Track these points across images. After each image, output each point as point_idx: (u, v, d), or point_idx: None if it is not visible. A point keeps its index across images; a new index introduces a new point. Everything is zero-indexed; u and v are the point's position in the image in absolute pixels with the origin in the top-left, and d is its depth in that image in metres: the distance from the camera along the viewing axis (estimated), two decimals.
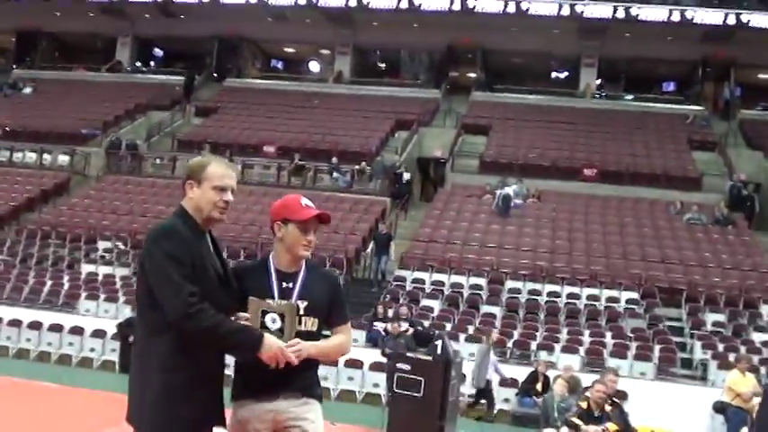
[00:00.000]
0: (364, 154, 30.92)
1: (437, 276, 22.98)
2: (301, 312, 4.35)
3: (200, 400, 4.13)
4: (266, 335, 4.12)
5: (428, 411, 10.32)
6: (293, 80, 41.42)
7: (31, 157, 31.89)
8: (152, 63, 45.73)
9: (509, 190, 27.27)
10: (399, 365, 10.73)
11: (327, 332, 4.54)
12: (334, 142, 32.05)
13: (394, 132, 34.13)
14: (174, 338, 4.04)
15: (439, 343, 10.87)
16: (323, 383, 16.04)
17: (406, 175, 29.39)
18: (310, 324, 4.38)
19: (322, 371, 13.87)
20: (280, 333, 4.21)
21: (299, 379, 4.34)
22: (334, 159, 29.90)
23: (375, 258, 23.67)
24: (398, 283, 22.64)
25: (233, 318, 4.19)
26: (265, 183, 29.58)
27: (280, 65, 45.41)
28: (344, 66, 40.75)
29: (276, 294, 4.37)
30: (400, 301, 20.67)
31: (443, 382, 10.50)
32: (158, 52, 46.42)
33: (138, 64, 44.15)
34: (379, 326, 18.80)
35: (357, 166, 29.65)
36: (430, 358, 10.69)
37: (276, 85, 40.15)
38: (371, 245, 24.42)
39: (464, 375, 15.25)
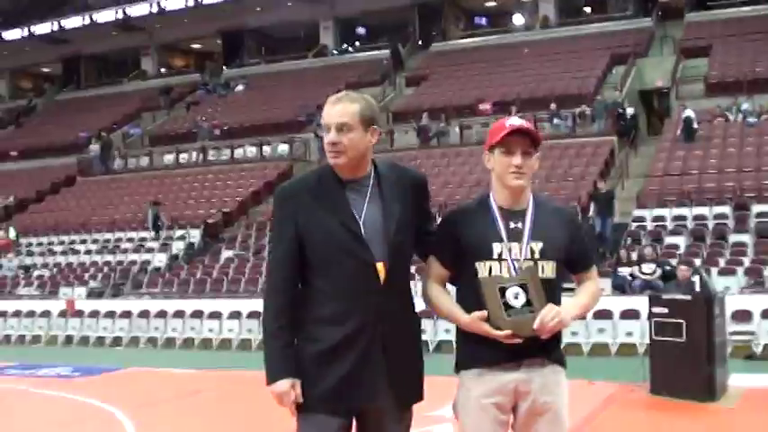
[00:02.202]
0: (584, 95, 29.73)
1: (678, 211, 21.70)
2: (537, 256, 3.71)
3: (341, 371, 3.63)
4: (282, 381, 3.61)
5: (694, 357, 9.34)
6: (499, 34, 40.47)
7: (252, 151, 32.74)
8: (357, 42, 45.85)
9: (690, 112, 25.63)
10: (655, 309, 9.81)
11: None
12: (551, 89, 31.02)
13: (611, 69, 32.82)
14: (306, 307, 3.70)
15: (697, 279, 9.90)
16: (572, 338, 15.61)
17: (630, 111, 27.96)
18: (549, 270, 3.71)
19: (571, 325, 13.33)
20: (528, 307, 3.60)
21: (543, 341, 3.67)
22: (553, 106, 28.86)
23: (598, 220, 21.30)
24: (638, 223, 21.50)
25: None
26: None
27: (484, 21, 44.54)
28: (549, 9, 39.37)
29: (504, 236, 3.71)
30: (643, 242, 19.68)
31: (707, 321, 9.44)
32: (361, 30, 46.54)
33: (345, 46, 44.44)
34: (624, 271, 17.93)
35: (578, 109, 28.57)
36: (688, 298, 9.71)
37: (483, 42, 39.30)
38: (591, 206, 22.29)
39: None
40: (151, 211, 27.35)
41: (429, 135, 30.08)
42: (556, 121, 28.61)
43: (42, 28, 47.12)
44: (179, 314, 20.45)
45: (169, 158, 34.31)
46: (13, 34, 47.99)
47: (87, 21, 46.01)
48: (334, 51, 43.15)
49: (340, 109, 3.71)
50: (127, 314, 21.33)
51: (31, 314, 22.56)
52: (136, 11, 45.04)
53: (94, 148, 35.93)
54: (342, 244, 3.63)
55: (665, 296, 9.95)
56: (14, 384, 13.48)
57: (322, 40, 43.73)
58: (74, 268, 26.02)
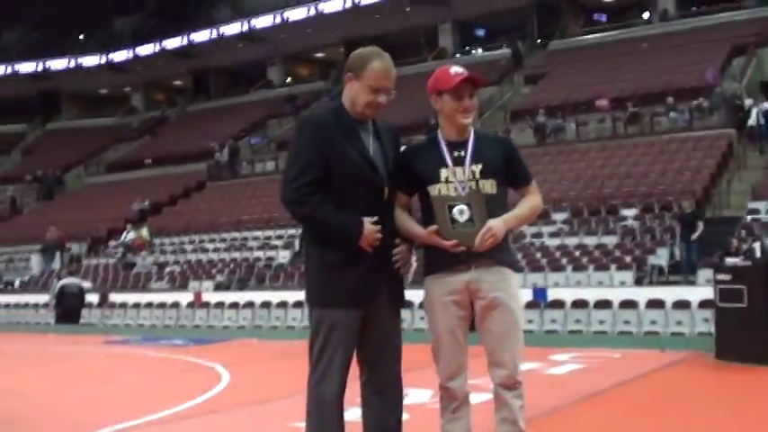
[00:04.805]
0: (702, 88, 29.25)
1: None
2: (477, 176, 4.39)
3: (357, 274, 4.35)
4: (365, 223, 4.30)
5: (754, 321, 9.52)
6: (618, 29, 40.19)
7: None
8: (475, 43, 46.23)
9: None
10: (719, 277, 10.10)
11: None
12: (668, 82, 30.69)
13: (731, 60, 32.10)
14: None
15: (757, 245, 10.09)
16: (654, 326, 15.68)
17: (749, 102, 27.53)
18: (489, 186, 4.40)
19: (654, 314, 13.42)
20: (471, 223, 4.29)
21: (491, 249, 4.35)
22: (670, 99, 28.67)
23: (681, 245, 20.20)
24: (753, 216, 21.20)
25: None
26: (602, 137, 29.23)
27: (603, 17, 44.32)
28: (669, 2, 38.96)
29: (450, 163, 4.43)
30: (756, 233, 19.52)
31: (766, 286, 9.58)
32: (480, 31, 46.92)
33: (466, 48, 44.84)
34: (731, 261, 17.84)
35: (695, 102, 28.25)
36: (749, 264, 9.90)
37: (601, 39, 39.21)
38: (678, 228, 20.74)
39: None
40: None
41: (545, 133, 30.29)
42: (673, 114, 28.39)
43: (173, 43, 49.46)
44: (299, 304, 21.22)
45: None
46: (146, 50, 50.56)
47: (215, 35, 48.12)
48: (457, 55, 43.52)
49: (394, 75, 4.49)
50: (250, 305, 22.53)
51: (161, 305, 24.22)
52: (261, 23, 46.79)
53: (223, 154, 37.51)
54: (361, 170, 4.39)
55: (728, 264, 10.14)
56: (130, 349, 14.86)
57: (441, 43, 44.36)
58: (203, 264, 27.45)
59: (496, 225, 4.30)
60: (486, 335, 4.43)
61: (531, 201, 4.58)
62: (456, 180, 4.41)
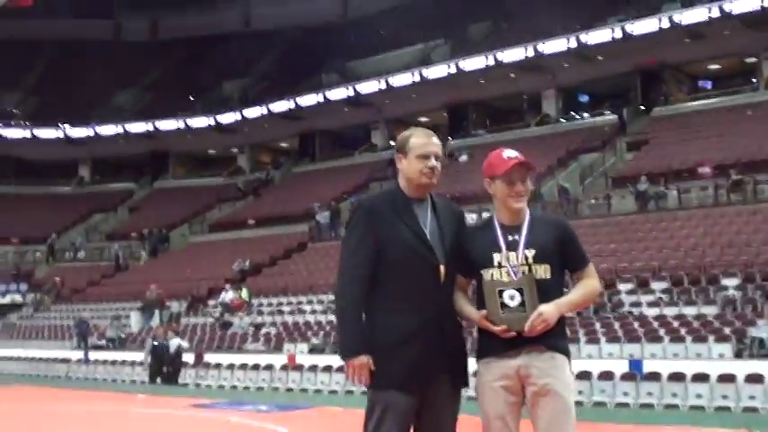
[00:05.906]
0: None
1: None
2: (531, 261, 4.38)
3: (410, 357, 4.35)
4: (362, 356, 4.33)
5: None
6: (722, 96, 39.49)
7: (472, 217, 33.37)
8: (579, 109, 46.03)
9: None
10: None
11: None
12: None
13: None
14: (380, 300, 4.43)
15: None
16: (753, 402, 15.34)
17: None
18: (542, 271, 4.39)
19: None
20: (521, 308, 4.27)
21: (544, 333, 4.33)
22: None
23: None
24: None
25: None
26: (705, 205, 28.79)
27: (708, 84, 43.77)
28: None
29: (503, 247, 4.43)
30: None
31: None
32: (583, 97, 46.73)
33: (571, 113, 44.72)
34: None
35: None
36: None
37: (705, 105, 38.61)
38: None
39: None
40: None
41: (647, 200, 29.93)
42: None
43: (280, 106, 50.36)
44: None
45: None
46: (253, 112, 51.54)
47: (321, 99, 48.84)
48: (561, 120, 43.40)
49: (437, 141, 4.62)
50: (343, 368, 22.22)
51: (255, 367, 24.43)
52: (365, 88, 47.44)
53: (324, 216, 37.91)
54: (414, 249, 4.43)
55: None
56: (214, 414, 14.82)
57: (545, 108, 44.23)
58: (299, 326, 27.57)
59: (548, 310, 4.29)
60: (537, 422, 4.40)
61: (587, 285, 4.54)
62: (509, 265, 4.41)
